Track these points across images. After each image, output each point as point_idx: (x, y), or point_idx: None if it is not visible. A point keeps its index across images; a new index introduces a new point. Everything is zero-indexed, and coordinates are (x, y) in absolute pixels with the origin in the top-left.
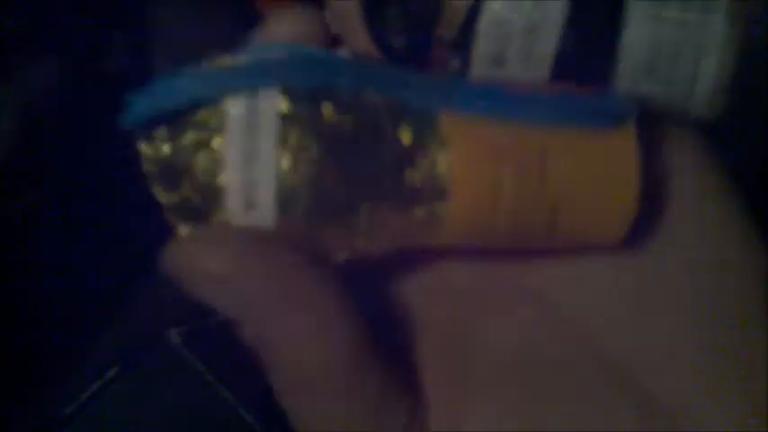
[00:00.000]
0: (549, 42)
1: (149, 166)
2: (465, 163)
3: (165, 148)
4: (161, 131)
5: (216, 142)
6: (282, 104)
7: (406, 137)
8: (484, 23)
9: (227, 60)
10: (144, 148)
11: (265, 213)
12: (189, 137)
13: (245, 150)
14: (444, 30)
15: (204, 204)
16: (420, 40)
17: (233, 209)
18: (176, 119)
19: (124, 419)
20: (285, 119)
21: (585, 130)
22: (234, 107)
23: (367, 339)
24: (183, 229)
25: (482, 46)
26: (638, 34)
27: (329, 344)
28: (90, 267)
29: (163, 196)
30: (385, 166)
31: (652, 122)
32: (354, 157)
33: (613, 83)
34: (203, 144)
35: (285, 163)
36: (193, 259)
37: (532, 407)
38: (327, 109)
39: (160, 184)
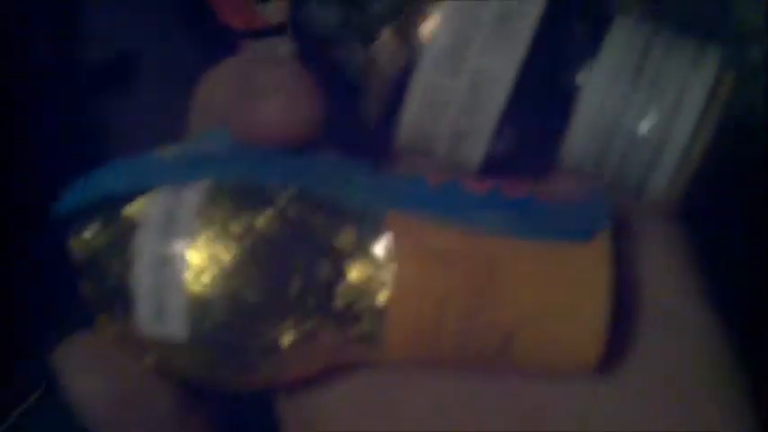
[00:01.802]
0: (476, 152)
1: (76, 257)
2: (410, 269)
3: (88, 243)
4: (86, 225)
5: (131, 242)
6: (202, 205)
7: (343, 242)
8: (407, 118)
9: (163, 151)
10: (71, 239)
11: (176, 324)
12: (108, 234)
13: (158, 253)
14: (369, 103)
15: (119, 305)
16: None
17: (143, 315)
18: (103, 212)
19: None
20: (203, 221)
21: (548, 241)
22: (152, 205)
23: None
24: (101, 321)
25: (404, 134)
26: (590, 123)
27: None
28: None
29: (85, 288)
30: (317, 279)
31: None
32: (279, 268)
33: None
34: (119, 243)
35: (198, 270)
36: (67, 372)
37: None
38: (254, 213)
39: (83, 276)
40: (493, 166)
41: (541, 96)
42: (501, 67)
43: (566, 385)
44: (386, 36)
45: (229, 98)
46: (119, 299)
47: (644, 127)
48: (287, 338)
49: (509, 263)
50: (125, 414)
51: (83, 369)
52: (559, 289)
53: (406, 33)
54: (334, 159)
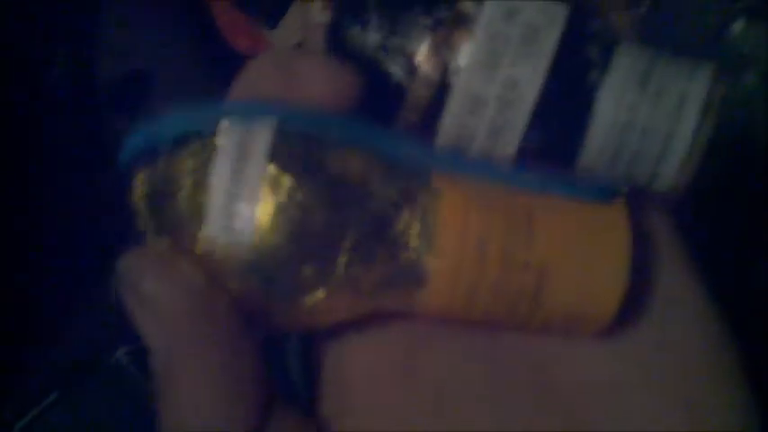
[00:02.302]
0: (510, 146)
1: (137, 195)
2: (455, 212)
3: (156, 175)
4: (154, 160)
5: (207, 163)
6: (274, 141)
7: (393, 192)
8: (446, 123)
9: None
10: (136, 177)
11: (244, 236)
12: (179, 164)
13: (234, 172)
14: (408, 112)
15: (187, 225)
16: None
17: (213, 226)
18: (169, 150)
19: None
20: (275, 155)
21: (576, 201)
22: (227, 136)
23: (269, 410)
24: (156, 246)
25: (443, 139)
26: (601, 140)
27: (225, 417)
28: (31, 286)
29: (145, 222)
30: (369, 223)
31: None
32: (338, 207)
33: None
34: (194, 164)
35: (267, 192)
36: (134, 274)
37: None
38: (318, 148)
39: (145, 209)
40: (522, 162)
41: (562, 103)
42: (529, 74)
43: (576, 355)
44: (422, 55)
45: (271, 84)
46: (187, 219)
47: (653, 127)
48: (338, 272)
49: (543, 210)
50: (185, 321)
51: (148, 273)
52: (587, 236)
53: (442, 51)
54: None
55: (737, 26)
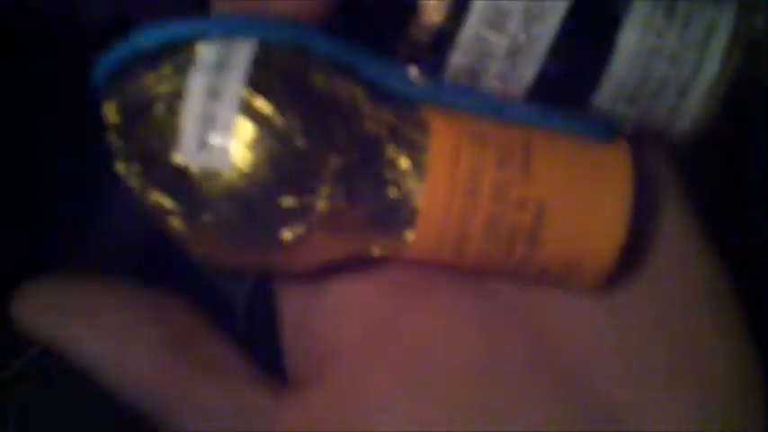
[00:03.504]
0: (530, 67)
1: (108, 117)
2: (445, 144)
3: (128, 96)
4: (128, 71)
5: (181, 79)
6: (257, 51)
7: (381, 121)
8: (464, 37)
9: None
10: (108, 93)
11: (221, 154)
12: (154, 74)
13: (210, 88)
14: (416, 31)
15: (159, 144)
16: (386, 34)
17: (187, 145)
18: (146, 61)
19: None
20: (258, 65)
21: (576, 137)
22: (206, 48)
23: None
24: (133, 180)
25: (458, 58)
26: (626, 64)
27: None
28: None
29: (115, 146)
30: (355, 150)
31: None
32: (320, 131)
33: (589, 106)
34: (167, 80)
35: (246, 110)
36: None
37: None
38: (302, 67)
39: (119, 127)
40: (539, 91)
41: (586, 28)
42: None
43: (571, 309)
44: None
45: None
46: (159, 143)
47: (681, 54)
48: (320, 205)
49: (542, 145)
50: None
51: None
52: (589, 175)
53: None
54: (375, 53)
55: None
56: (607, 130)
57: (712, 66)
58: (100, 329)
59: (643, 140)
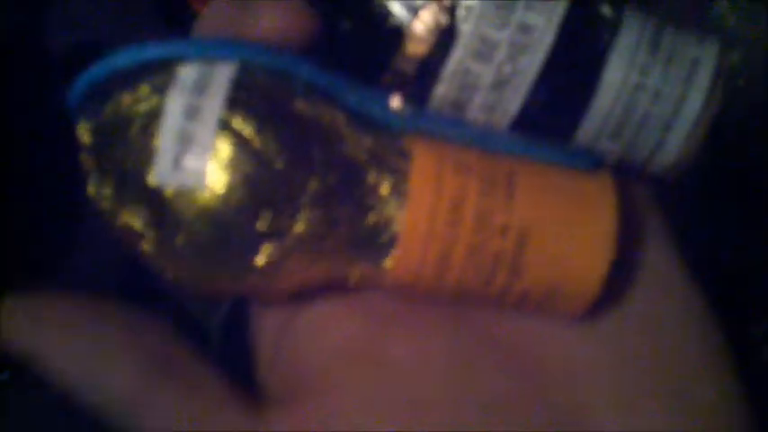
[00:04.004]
0: (516, 99)
1: (82, 135)
2: (427, 171)
3: (105, 115)
4: (104, 92)
5: (159, 99)
6: (238, 73)
7: (362, 147)
8: (449, 68)
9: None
10: (83, 114)
11: (197, 175)
12: (131, 94)
13: (189, 108)
14: (401, 61)
15: (134, 164)
16: (371, 63)
17: (163, 165)
18: (123, 82)
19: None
20: (238, 86)
21: (560, 167)
22: (186, 68)
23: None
24: (104, 202)
25: (443, 89)
26: (610, 100)
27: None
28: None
29: (90, 162)
30: (332, 177)
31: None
32: (299, 156)
33: (573, 140)
34: (145, 100)
35: (224, 131)
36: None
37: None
38: (283, 90)
39: (92, 147)
40: (523, 124)
41: (571, 61)
42: (545, 20)
43: (551, 336)
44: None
45: (227, 20)
46: (134, 163)
47: (665, 90)
48: (297, 229)
49: (525, 173)
50: None
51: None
52: (572, 204)
53: None
54: (358, 81)
55: (722, 3)
56: (591, 160)
57: (696, 101)
58: (74, 347)
59: (625, 174)
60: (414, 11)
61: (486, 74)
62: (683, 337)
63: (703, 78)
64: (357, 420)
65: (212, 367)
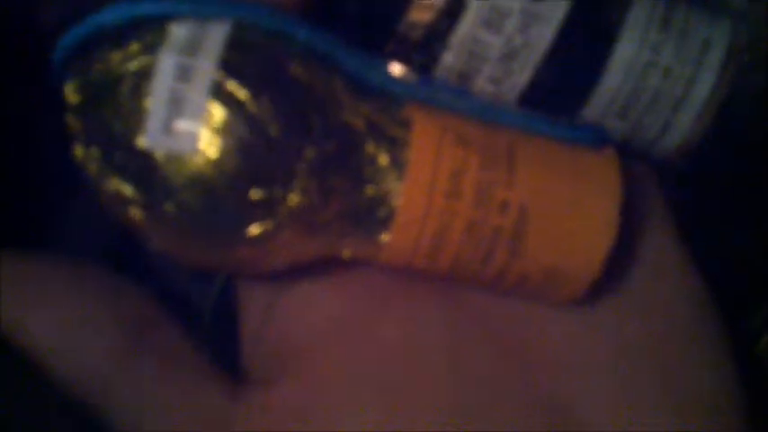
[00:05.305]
0: (525, 72)
1: (68, 97)
2: (427, 142)
3: (94, 66)
4: (92, 50)
5: (150, 58)
6: (233, 33)
7: (360, 115)
8: (458, 36)
9: None
10: (69, 73)
11: (189, 140)
12: (120, 52)
13: (181, 69)
14: (407, 28)
15: (122, 126)
16: (377, 29)
17: (153, 128)
18: (112, 40)
19: None
20: (233, 47)
21: (564, 143)
22: (178, 27)
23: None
24: (91, 166)
25: (450, 58)
26: (620, 76)
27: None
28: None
29: (76, 123)
30: (330, 143)
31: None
32: (298, 121)
33: (579, 117)
34: (135, 58)
35: (218, 103)
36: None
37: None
38: (280, 53)
39: (79, 108)
40: (530, 98)
41: (581, 38)
42: None
43: (547, 321)
44: None
45: None
46: (122, 126)
47: (676, 69)
48: (291, 199)
49: (527, 148)
50: None
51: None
52: (574, 181)
53: None
54: (358, 46)
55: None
56: (596, 137)
57: (706, 83)
58: (52, 312)
59: (629, 156)
60: None
61: (496, 44)
62: (681, 325)
63: (714, 60)
64: (339, 397)
65: (195, 342)
